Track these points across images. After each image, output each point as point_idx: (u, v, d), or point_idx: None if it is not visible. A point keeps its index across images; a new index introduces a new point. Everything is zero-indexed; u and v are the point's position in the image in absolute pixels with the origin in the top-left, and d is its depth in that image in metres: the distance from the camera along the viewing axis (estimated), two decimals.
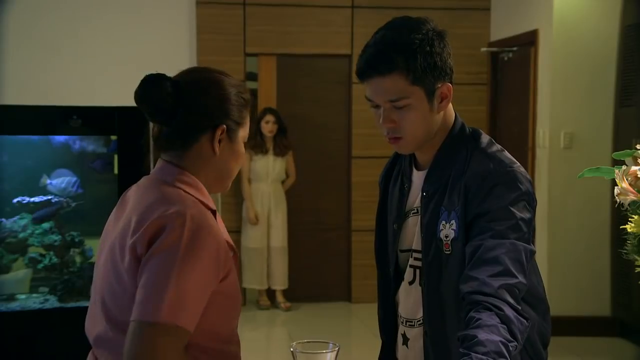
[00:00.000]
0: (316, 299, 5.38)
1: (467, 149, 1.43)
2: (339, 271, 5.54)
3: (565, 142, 4.69)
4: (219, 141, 1.33)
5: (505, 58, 5.41)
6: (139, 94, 1.37)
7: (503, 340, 1.13)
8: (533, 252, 1.33)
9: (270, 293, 5.36)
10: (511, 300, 1.20)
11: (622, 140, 4.47)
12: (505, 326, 1.16)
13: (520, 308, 1.22)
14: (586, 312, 4.67)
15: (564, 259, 4.69)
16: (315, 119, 5.63)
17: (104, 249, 1.33)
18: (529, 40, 4.97)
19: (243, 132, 1.38)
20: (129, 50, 5.40)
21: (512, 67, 5.36)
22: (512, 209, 1.32)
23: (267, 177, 5.24)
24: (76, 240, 2.66)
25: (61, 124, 2.51)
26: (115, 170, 2.58)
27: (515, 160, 1.40)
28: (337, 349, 1.14)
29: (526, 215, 1.33)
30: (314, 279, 5.50)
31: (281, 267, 5.28)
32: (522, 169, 1.40)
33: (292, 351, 1.14)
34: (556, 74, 4.69)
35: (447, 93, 1.40)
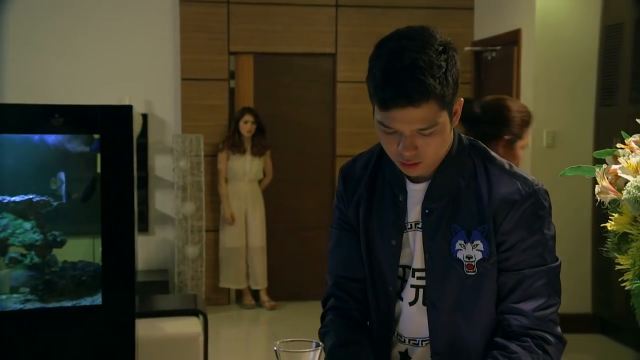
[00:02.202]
0: (298, 298, 5.38)
1: (473, 160, 1.37)
2: (321, 270, 5.54)
3: (548, 140, 4.73)
4: None
5: (489, 57, 5.44)
6: None
7: None
8: (561, 264, 1.39)
9: (254, 292, 5.36)
10: (556, 330, 1.34)
11: (603, 139, 4.52)
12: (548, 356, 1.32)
13: (560, 332, 1.35)
14: (568, 309, 4.69)
15: None
16: (299, 117, 5.62)
17: None
18: (511, 39, 5.00)
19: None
20: (111, 49, 5.37)
21: (495, 66, 5.39)
22: (544, 231, 1.35)
23: (244, 176, 5.24)
24: (58, 239, 2.63)
25: (43, 123, 2.49)
26: (98, 169, 2.56)
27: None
28: (320, 347, 1.14)
29: (552, 230, 1.37)
30: (296, 277, 5.50)
31: (260, 267, 5.28)
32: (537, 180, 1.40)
33: (275, 350, 1.14)
34: (538, 74, 4.73)
35: (458, 108, 1.33)
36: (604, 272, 4.51)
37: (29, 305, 2.51)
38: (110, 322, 2.47)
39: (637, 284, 1.15)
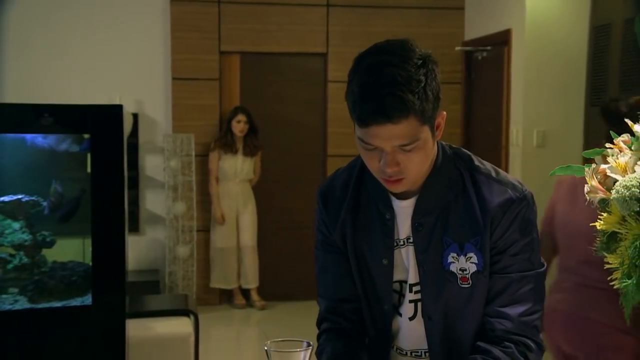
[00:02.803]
0: (289, 298, 5.38)
1: (459, 170, 1.36)
2: (312, 270, 5.53)
3: (538, 140, 4.75)
4: None
5: (479, 57, 5.45)
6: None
7: None
8: (546, 269, 1.40)
9: (245, 292, 5.35)
10: (538, 337, 1.35)
11: (592, 138, 4.54)
12: None
13: (542, 339, 1.36)
14: None
15: None
16: (289, 117, 5.62)
17: None
18: (502, 39, 5.02)
19: None
20: (102, 48, 5.34)
21: (486, 66, 5.41)
22: (533, 235, 1.36)
23: (235, 176, 5.22)
24: (47, 239, 2.62)
25: (33, 122, 2.47)
26: (88, 169, 2.55)
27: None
28: (310, 347, 1.14)
29: (538, 232, 1.38)
30: (287, 277, 5.50)
31: (252, 266, 5.26)
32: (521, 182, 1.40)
33: (266, 350, 1.14)
34: (529, 73, 4.75)
35: (441, 122, 1.32)
36: None
37: (18, 306, 2.50)
38: (101, 323, 2.46)
39: (626, 283, 1.15)
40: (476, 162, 1.38)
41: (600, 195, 1.23)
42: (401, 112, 1.20)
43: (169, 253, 5.30)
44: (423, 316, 1.38)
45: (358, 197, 1.40)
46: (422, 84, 1.22)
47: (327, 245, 1.44)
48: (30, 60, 5.24)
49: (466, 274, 1.33)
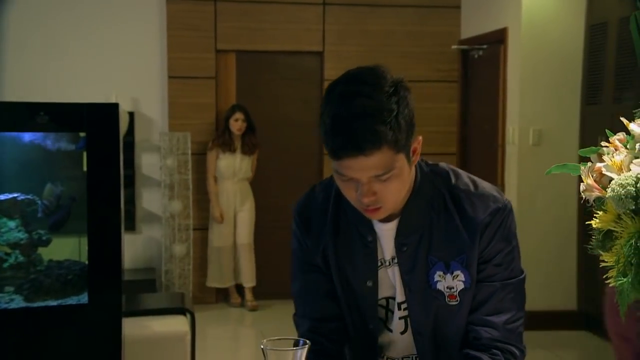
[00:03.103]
0: (285, 296, 5.35)
1: (438, 189, 1.35)
2: None
3: (534, 139, 4.76)
4: None
5: (476, 56, 5.46)
6: None
7: None
8: (526, 277, 1.42)
9: (241, 290, 5.35)
10: (522, 344, 1.38)
11: (588, 137, 4.55)
12: None
13: (524, 345, 1.39)
14: (554, 306, 4.74)
15: (532, 254, 4.75)
16: (286, 115, 5.62)
17: None
18: (498, 38, 5.02)
19: None
20: (98, 47, 5.34)
21: (482, 64, 5.41)
22: (514, 244, 1.36)
23: (234, 175, 5.20)
24: (43, 238, 2.62)
25: (28, 121, 2.47)
26: (84, 168, 2.54)
27: (486, 182, 1.39)
28: (307, 346, 1.14)
29: (517, 241, 1.39)
30: (283, 276, 5.46)
31: (248, 264, 5.25)
32: (499, 189, 1.39)
33: (262, 348, 1.14)
34: (525, 72, 4.75)
35: (417, 146, 1.30)
36: (589, 270, 4.55)
37: (13, 305, 2.49)
38: (97, 321, 2.46)
39: (621, 281, 1.16)
40: (454, 180, 1.37)
41: (596, 193, 1.24)
42: (373, 144, 1.18)
43: (165, 251, 5.30)
44: (413, 332, 1.39)
45: (337, 220, 1.39)
46: (394, 113, 1.20)
47: (307, 265, 1.43)
48: (27, 59, 5.23)
49: (454, 292, 1.35)
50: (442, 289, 1.34)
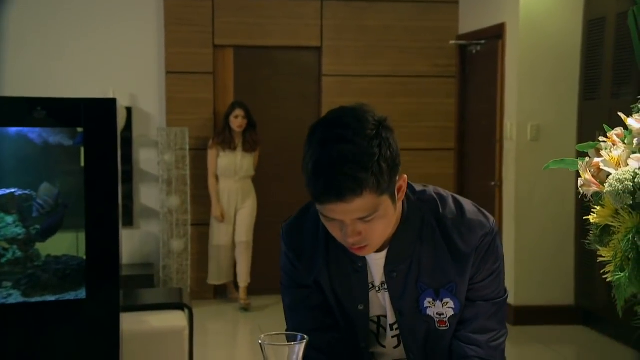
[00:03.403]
0: None
1: (426, 218, 1.35)
2: None
3: (532, 134, 4.76)
4: None
5: (474, 51, 5.46)
6: None
7: None
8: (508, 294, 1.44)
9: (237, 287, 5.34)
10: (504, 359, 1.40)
11: (586, 132, 4.55)
12: None
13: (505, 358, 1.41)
14: (551, 301, 4.75)
15: (530, 249, 4.76)
16: (283, 111, 5.61)
17: None
18: (496, 33, 5.02)
19: None
20: (96, 42, 5.32)
21: (480, 60, 5.41)
22: (500, 264, 1.38)
23: (235, 174, 5.10)
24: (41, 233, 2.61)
25: (25, 116, 2.47)
26: (82, 163, 2.54)
27: (473, 203, 1.39)
28: (305, 341, 1.14)
29: (503, 260, 1.40)
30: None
31: (244, 263, 5.20)
32: (484, 210, 1.39)
33: (260, 344, 1.14)
34: (523, 67, 4.75)
35: (403, 184, 1.29)
36: (587, 265, 4.56)
37: (11, 300, 2.49)
38: (95, 316, 2.46)
39: (619, 276, 1.16)
40: (441, 210, 1.36)
41: (594, 188, 1.24)
42: (353, 191, 1.18)
43: (163, 247, 5.30)
44: (405, 350, 1.42)
45: (328, 246, 1.38)
46: (376, 158, 1.19)
47: (297, 282, 1.42)
48: (25, 55, 5.21)
49: (443, 318, 1.37)
50: (432, 315, 1.37)
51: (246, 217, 5.17)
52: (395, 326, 1.41)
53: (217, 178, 5.15)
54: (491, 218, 1.38)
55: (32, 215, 2.59)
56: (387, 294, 1.38)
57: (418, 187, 1.39)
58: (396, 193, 1.27)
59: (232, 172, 5.10)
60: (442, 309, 1.36)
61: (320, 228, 1.36)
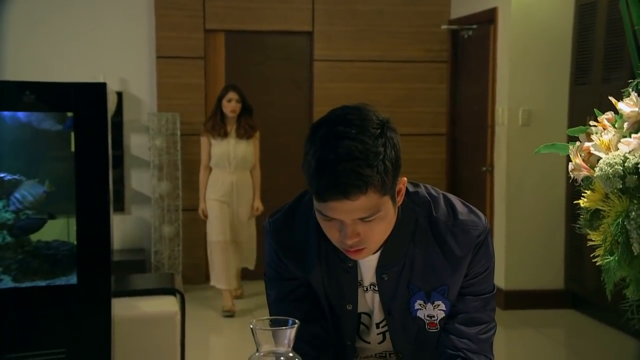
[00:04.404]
0: None
1: (420, 221, 1.34)
2: None
3: (524, 119, 4.77)
4: None
5: (465, 36, 5.44)
6: None
7: None
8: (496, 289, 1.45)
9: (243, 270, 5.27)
10: (491, 353, 1.40)
11: (577, 117, 4.56)
12: None
13: (493, 354, 1.41)
14: (541, 286, 4.79)
15: (520, 234, 4.79)
16: (275, 96, 5.59)
17: None
18: (488, 18, 5.00)
19: None
20: (86, 26, 5.27)
21: (472, 44, 5.40)
22: (491, 261, 1.38)
23: (229, 164, 4.65)
24: (22, 217, 2.60)
25: (14, 100, 2.44)
26: (72, 148, 2.52)
27: (462, 201, 1.39)
28: (296, 325, 1.14)
29: (494, 257, 1.40)
30: None
31: (232, 264, 4.76)
32: (474, 209, 1.39)
33: (252, 328, 1.14)
34: (514, 52, 4.75)
35: (402, 187, 1.29)
36: (576, 249, 4.59)
37: (2, 285, 2.49)
38: (86, 302, 2.46)
39: (608, 260, 1.17)
40: (434, 212, 1.35)
41: (584, 173, 1.24)
42: (359, 188, 1.17)
43: (154, 232, 5.29)
44: (394, 349, 1.43)
45: (319, 244, 1.37)
46: (381, 156, 1.18)
47: (283, 276, 1.41)
48: (13, 39, 5.16)
49: (434, 320, 1.37)
50: (423, 317, 1.37)
51: (246, 215, 4.78)
52: (382, 324, 1.42)
53: (210, 169, 4.75)
54: (483, 217, 1.38)
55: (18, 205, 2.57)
56: (376, 295, 1.38)
57: (411, 188, 1.38)
58: (396, 196, 1.27)
59: (226, 162, 4.66)
60: (432, 311, 1.36)
61: (311, 226, 1.35)
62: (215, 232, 4.71)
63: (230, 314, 4.76)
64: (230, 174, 4.69)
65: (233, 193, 4.72)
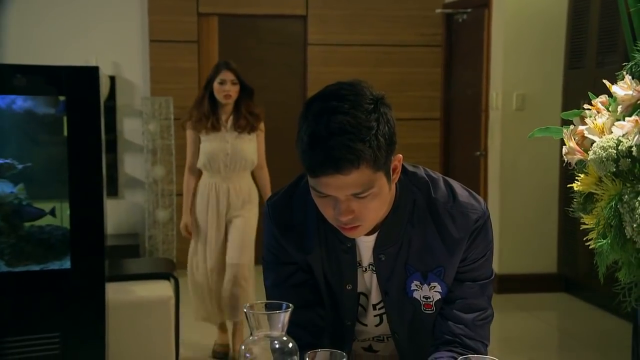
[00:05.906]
0: None
1: (419, 202, 1.34)
2: None
3: (518, 103, 4.76)
4: None
5: (460, 20, 5.42)
6: None
7: None
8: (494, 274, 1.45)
9: None
10: (487, 340, 1.40)
11: (571, 101, 4.57)
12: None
13: (489, 340, 1.41)
14: (534, 269, 4.82)
15: (514, 218, 4.80)
16: (269, 81, 5.56)
17: None
18: (482, 2, 4.99)
19: None
20: (78, 9, 5.23)
21: (466, 28, 5.38)
22: (490, 246, 1.38)
23: (225, 166, 3.50)
24: (23, 203, 2.59)
25: (5, 83, 2.42)
26: (65, 132, 2.51)
27: (462, 185, 1.39)
28: (290, 309, 1.15)
29: (493, 242, 1.40)
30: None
31: (233, 293, 3.53)
32: (474, 193, 1.38)
33: (245, 312, 1.14)
34: (509, 36, 4.74)
35: (398, 164, 1.28)
36: (570, 233, 4.61)
37: None
38: (80, 286, 2.45)
39: (601, 243, 1.17)
40: (433, 193, 1.35)
41: (578, 156, 1.24)
42: (351, 162, 1.16)
43: (148, 217, 5.28)
44: (390, 331, 1.43)
45: (318, 224, 1.36)
46: (373, 131, 1.18)
47: (281, 261, 1.41)
48: (4, 21, 5.11)
49: (430, 302, 1.37)
50: (419, 298, 1.37)
51: (241, 228, 3.53)
52: (379, 306, 1.42)
53: (199, 172, 3.61)
54: (482, 202, 1.37)
55: (16, 182, 2.56)
56: (374, 275, 1.38)
57: (410, 168, 1.37)
58: (391, 173, 1.26)
59: (220, 163, 3.48)
60: (428, 293, 1.36)
61: (310, 207, 1.34)
62: (206, 258, 3.59)
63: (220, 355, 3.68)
64: (223, 180, 3.53)
65: (230, 203, 3.54)
